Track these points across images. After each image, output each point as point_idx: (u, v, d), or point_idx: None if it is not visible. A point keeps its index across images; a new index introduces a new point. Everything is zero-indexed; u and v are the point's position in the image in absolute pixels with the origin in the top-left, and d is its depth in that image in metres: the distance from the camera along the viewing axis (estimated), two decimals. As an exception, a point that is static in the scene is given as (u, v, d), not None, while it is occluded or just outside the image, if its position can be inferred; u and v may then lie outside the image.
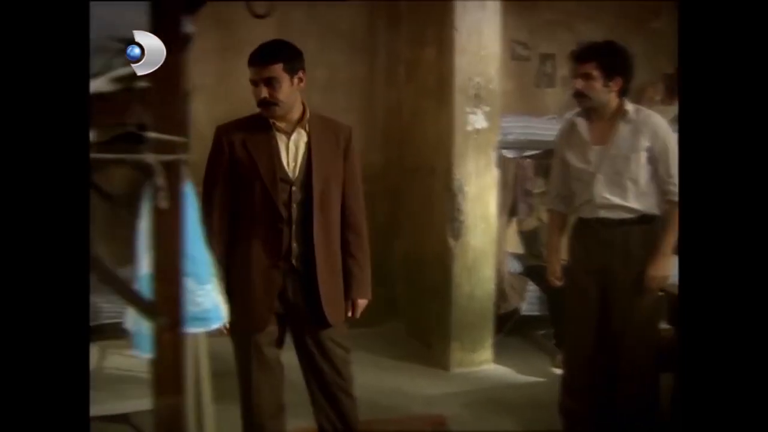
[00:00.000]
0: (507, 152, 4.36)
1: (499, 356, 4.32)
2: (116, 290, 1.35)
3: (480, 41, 4.08)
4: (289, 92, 2.47)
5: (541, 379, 4.10)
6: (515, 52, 5.16)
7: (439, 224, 4.26)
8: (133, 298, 1.30)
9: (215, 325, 1.81)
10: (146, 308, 1.29)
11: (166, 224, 1.27)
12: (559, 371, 3.88)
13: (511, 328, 4.50)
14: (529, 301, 4.45)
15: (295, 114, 2.54)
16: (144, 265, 1.58)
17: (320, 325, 2.58)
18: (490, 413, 3.63)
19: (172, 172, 1.27)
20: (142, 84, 1.29)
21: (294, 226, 2.52)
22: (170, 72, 1.29)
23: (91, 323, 3.91)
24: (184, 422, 1.32)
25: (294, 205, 2.52)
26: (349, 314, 2.69)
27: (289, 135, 2.54)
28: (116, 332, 3.78)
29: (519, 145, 4.40)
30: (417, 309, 4.73)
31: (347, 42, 4.92)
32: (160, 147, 1.27)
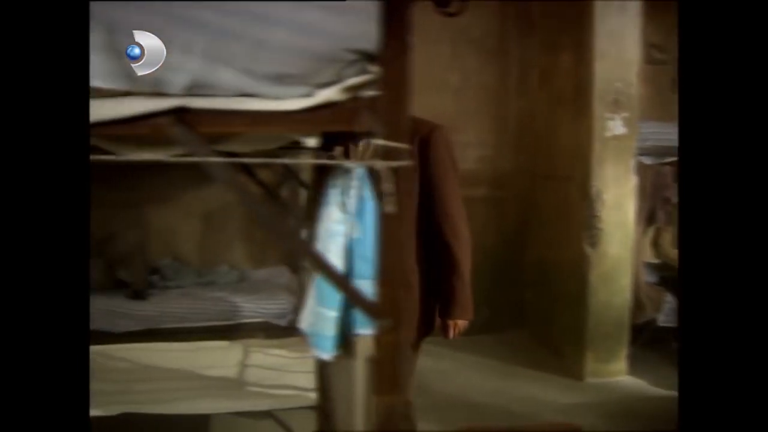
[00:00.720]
0: (645, 159, 4.24)
1: (633, 368, 4.22)
2: (342, 290, 1.39)
3: (620, 45, 4.01)
4: None
5: (676, 393, 3.96)
6: (651, 56, 5.00)
7: (574, 231, 4.19)
8: (358, 299, 1.34)
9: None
10: (371, 309, 1.32)
11: (392, 228, 1.30)
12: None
13: (645, 339, 4.38)
14: (665, 313, 4.32)
15: None
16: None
17: None
18: (625, 425, 3.55)
19: (399, 178, 1.30)
20: (371, 93, 1.33)
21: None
22: (397, 81, 1.33)
23: (232, 322, 4.05)
24: (401, 421, 1.35)
25: None
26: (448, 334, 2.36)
27: None
28: (256, 331, 3.92)
29: (657, 152, 4.27)
30: (547, 317, 4.66)
31: (479, 48, 4.92)
32: (387, 153, 1.31)
